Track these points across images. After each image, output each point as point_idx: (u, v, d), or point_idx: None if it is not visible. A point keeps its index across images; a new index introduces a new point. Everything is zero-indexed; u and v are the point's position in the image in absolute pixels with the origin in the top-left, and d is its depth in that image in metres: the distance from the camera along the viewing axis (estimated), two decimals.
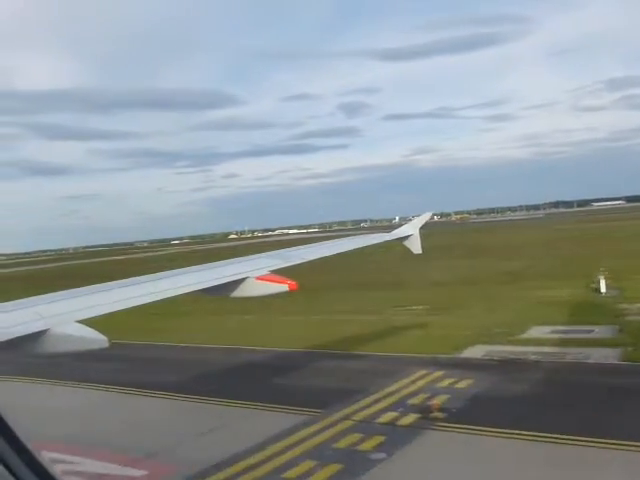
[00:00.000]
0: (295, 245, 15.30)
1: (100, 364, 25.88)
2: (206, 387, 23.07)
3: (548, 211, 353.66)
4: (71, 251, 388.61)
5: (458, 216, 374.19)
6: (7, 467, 3.01)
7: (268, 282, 10.81)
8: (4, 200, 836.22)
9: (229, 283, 10.72)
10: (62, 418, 20.45)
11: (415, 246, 17.91)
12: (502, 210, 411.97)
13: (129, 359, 29.14)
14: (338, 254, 15.17)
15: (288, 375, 24.55)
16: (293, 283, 10.60)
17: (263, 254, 13.75)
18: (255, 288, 10.76)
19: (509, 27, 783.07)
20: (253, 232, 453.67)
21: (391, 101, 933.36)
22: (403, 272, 57.61)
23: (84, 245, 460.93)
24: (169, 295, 9.94)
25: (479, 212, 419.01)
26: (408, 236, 18.02)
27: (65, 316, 7.98)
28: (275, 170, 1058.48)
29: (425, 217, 19.68)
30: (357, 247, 16.68)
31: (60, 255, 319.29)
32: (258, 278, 10.81)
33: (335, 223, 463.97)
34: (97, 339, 7.53)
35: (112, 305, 8.98)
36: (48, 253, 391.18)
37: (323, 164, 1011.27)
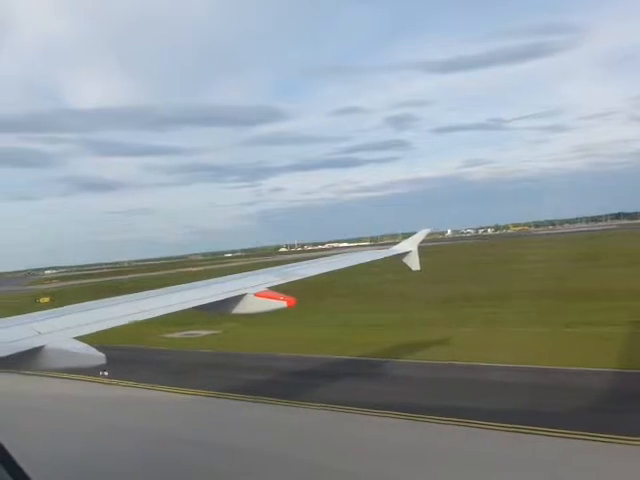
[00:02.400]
0: None
1: (383, 387, 23.54)
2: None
3: (610, 223, 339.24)
4: (126, 264, 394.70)
5: (517, 228, 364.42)
6: None
7: (267, 299, 10.73)
8: (61, 215, 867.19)
9: (227, 300, 10.63)
10: None
11: (414, 263, 17.86)
12: (560, 222, 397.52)
13: (408, 379, 25.16)
14: (336, 271, 15.06)
15: None
16: (292, 299, 10.56)
17: (261, 270, 13.82)
18: (254, 305, 10.68)
19: (562, 36, 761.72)
20: (303, 245, 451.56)
21: (441, 113, 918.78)
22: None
23: (138, 259, 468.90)
24: (167, 312, 9.85)
25: (536, 224, 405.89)
26: (407, 252, 17.98)
27: (62, 333, 7.99)
28: (323, 184, 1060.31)
29: (423, 234, 19.65)
30: (356, 264, 16.50)
31: (119, 268, 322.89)
32: (257, 295, 10.74)
33: (386, 236, 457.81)
34: (94, 355, 7.51)
35: (109, 322, 8.89)
36: (103, 266, 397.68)
37: (371, 177, 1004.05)
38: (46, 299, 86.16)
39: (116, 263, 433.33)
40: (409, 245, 18.48)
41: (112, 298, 10.72)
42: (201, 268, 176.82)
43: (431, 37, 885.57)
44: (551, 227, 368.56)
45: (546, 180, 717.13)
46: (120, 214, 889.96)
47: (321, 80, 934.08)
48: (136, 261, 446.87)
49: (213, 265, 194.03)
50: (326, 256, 19.31)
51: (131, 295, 10.84)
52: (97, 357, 7.55)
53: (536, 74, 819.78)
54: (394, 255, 18.24)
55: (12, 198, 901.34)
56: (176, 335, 42.68)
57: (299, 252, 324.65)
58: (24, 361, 7.35)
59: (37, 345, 7.39)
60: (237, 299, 10.73)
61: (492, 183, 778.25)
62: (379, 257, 18.45)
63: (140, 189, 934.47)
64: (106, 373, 28.94)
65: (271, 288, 11.33)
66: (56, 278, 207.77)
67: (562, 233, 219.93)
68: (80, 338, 7.90)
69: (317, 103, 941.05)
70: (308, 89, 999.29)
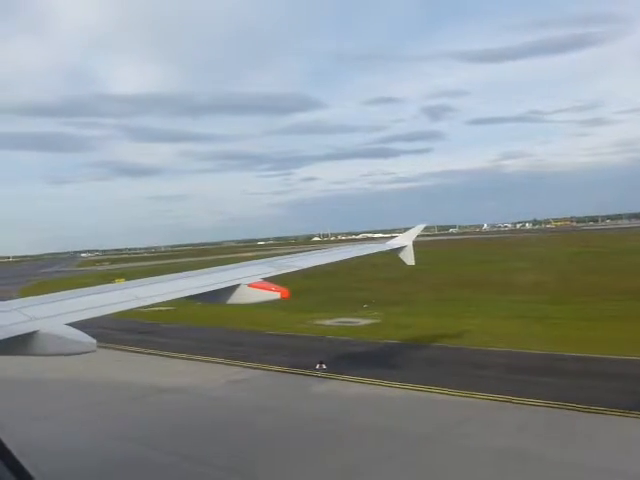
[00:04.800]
0: None
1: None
2: None
3: None
4: (162, 249, 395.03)
5: (559, 223, 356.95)
6: None
7: (260, 289, 10.70)
8: (98, 199, 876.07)
9: (221, 290, 10.62)
10: None
11: (408, 258, 17.92)
12: (603, 218, 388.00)
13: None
14: (331, 263, 15.30)
15: None
16: (285, 290, 10.58)
17: (255, 261, 13.85)
18: (247, 295, 10.68)
19: (604, 27, 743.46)
20: (336, 235, 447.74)
21: (478, 105, 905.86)
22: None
23: (171, 244, 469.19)
24: (161, 300, 10.01)
25: (577, 220, 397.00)
26: (402, 247, 17.96)
27: (54, 318, 8.01)
28: (357, 174, 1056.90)
29: (418, 229, 19.68)
30: (350, 257, 16.46)
31: (160, 253, 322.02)
32: (250, 285, 10.74)
33: None
34: (86, 342, 7.54)
35: (100, 309, 8.86)
36: (138, 251, 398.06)
37: (405, 168, 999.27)
38: (122, 280, 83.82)
39: (150, 248, 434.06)
40: (404, 240, 18.46)
41: (104, 285, 10.74)
42: (251, 254, 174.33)
43: (470, 27, 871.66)
44: (592, 223, 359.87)
45: (585, 175, 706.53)
46: (154, 199, 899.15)
47: (356, 69, 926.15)
48: (171, 246, 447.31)
49: (259, 251, 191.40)
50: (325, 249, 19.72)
51: (124, 283, 10.94)
52: (89, 344, 7.53)
53: (577, 66, 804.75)
54: (389, 250, 18.18)
55: (50, 182, 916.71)
56: (328, 322, 39.14)
57: (333, 242, 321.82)
58: (16, 346, 7.30)
59: (30, 330, 7.38)
60: (231, 289, 10.64)
61: (529, 177, 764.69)
62: (374, 251, 18.31)
63: (175, 175, 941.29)
64: (324, 366, 25.41)
65: (265, 279, 11.21)
66: (107, 260, 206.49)
67: (615, 229, 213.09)
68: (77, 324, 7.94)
69: (352, 92, 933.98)
70: (343, 78, 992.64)
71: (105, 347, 34.38)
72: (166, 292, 10.27)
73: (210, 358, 29.32)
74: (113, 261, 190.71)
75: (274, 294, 10.61)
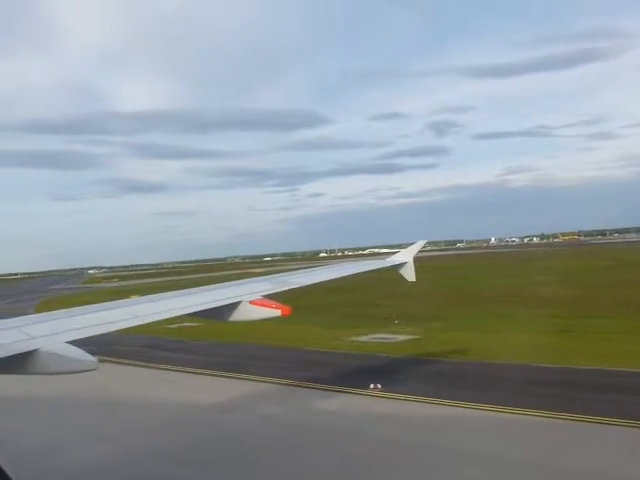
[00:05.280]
0: None
1: None
2: None
3: None
4: (170, 266, 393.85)
5: (567, 237, 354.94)
6: None
7: (261, 307, 10.69)
8: (104, 216, 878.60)
9: (223, 307, 10.57)
10: None
11: (409, 274, 17.97)
12: (610, 232, 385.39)
13: None
14: (332, 280, 15.29)
15: None
16: (287, 308, 10.61)
17: (257, 278, 13.96)
18: (249, 312, 10.65)
19: (609, 42, 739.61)
20: (343, 251, 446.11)
21: (483, 120, 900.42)
22: None
23: (177, 260, 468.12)
24: (161, 318, 9.79)
25: (585, 234, 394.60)
26: (403, 264, 18.03)
27: (54, 337, 7.90)
28: (362, 189, 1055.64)
29: (419, 245, 19.76)
30: (351, 274, 16.56)
31: (169, 269, 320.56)
32: (251, 302, 10.70)
33: (427, 243, 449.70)
34: (87, 360, 7.50)
35: (102, 327, 8.80)
36: (144, 267, 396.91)
37: (411, 183, 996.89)
38: (135, 296, 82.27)
39: (157, 264, 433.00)
40: (405, 256, 18.50)
41: (105, 303, 10.64)
42: (262, 269, 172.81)
43: (475, 42, 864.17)
44: (600, 237, 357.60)
45: (592, 189, 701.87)
46: (161, 216, 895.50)
47: (362, 85, 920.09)
48: (177, 263, 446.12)
49: (269, 267, 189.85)
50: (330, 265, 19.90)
51: (124, 300, 10.71)
52: (90, 362, 7.51)
53: (583, 81, 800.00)
54: (390, 266, 18.15)
55: (56, 199, 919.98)
56: (363, 339, 37.48)
57: (339, 257, 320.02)
58: (16, 365, 7.26)
59: (30, 349, 7.35)
60: (232, 307, 10.60)
61: (536, 191, 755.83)
62: (374, 268, 18.16)
63: (181, 191, 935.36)
64: (379, 385, 23.76)
65: (266, 296, 11.20)
66: (115, 277, 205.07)
67: (625, 243, 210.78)
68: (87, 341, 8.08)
69: (358, 108, 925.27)
70: (349, 94, 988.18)
71: (141, 366, 32.98)
72: (167, 309, 10.18)
73: (256, 377, 27.54)
74: (121, 278, 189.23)
75: (275, 311, 10.62)
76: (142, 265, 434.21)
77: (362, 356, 31.79)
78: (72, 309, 10.00)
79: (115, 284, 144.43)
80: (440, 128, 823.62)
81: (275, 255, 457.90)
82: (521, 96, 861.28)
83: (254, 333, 41.58)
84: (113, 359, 34.72)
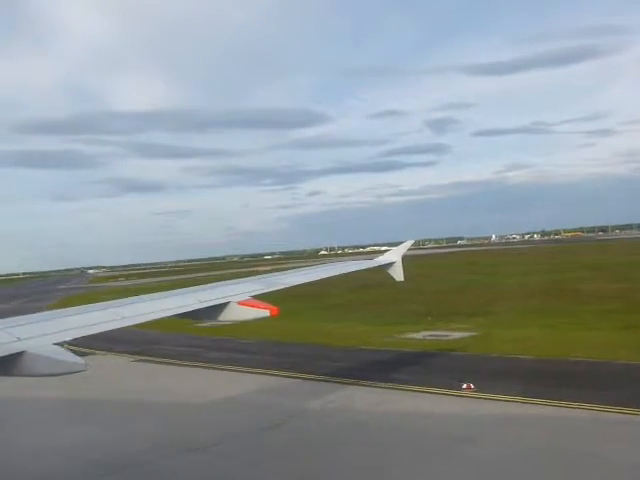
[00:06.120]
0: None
1: None
2: None
3: None
4: (171, 264, 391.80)
5: (570, 234, 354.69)
6: None
7: (250, 307, 10.70)
8: (103, 215, 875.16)
9: (211, 307, 10.59)
10: None
11: (397, 274, 17.94)
12: (612, 228, 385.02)
13: None
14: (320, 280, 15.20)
15: None
16: (275, 308, 10.58)
17: (245, 279, 13.88)
18: (237, 313, 10.65)
19: (608, 39, 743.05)
20: (343, 249, 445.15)
21: (482, 117, 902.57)
22: None
23: (176, 259, 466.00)
24: (149, 319, 9.72)
25: (586, 230, 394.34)
26: (391, 263, 17.98)
27: (42, 338, 7.84)
28: (361, 187, 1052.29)
29: (407, 245, 19.82)
30: (340, 273, 16.59)
31: (171, 267, 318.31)
32: (240, 303, 10.72)
33: (428, 240, 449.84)
34: (75, 362, 7.43)
35: (89, 328, 8.80)
36: (144, 266, 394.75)
37: (411, 181, 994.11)
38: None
39: (156, 264, 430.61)
40: (393, 256, 18.40)
41: (93, 304, 10.61)
42: (269, 267, 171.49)
43: (473, 40, 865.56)
44: (601, 233, 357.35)
45: (592, 185, 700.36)
46: (159, 215, 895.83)
47: (361, 83, 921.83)
48: (176, 262, 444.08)
49: (272, 266, 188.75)
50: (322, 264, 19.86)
51: (109, 302, 10.60)
52: (78, 364, 7.43)
53: (582, 77, 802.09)
54: (378, 266, 18.07)
55: (55, 199, 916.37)
56: (416, 336, 36.43)
57: (340, 255, 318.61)
58: (2, 367, 7.23)
59: (17, 351, 7.28)
60: (221, 307, 10.63)
61: (536, 188, 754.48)
62: (362, 267, 18.01)
63: (180, 190, 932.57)
64: (472, 385, 22.73)
65: (255, 297, 11.24)
66: (120, 276, 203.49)
67: (630, 238, 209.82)
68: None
69: (357, 106, 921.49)
70: (348, 92, 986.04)
71: (199, 367, 31.89)
72: (156, 310, 10.14)
73: (328, 377, 26.36)
74: (127, 277, 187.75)
75: (264, 312, 10.62)
76: (141, 265, 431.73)
77: (427, 354, 30.70)
78: (60, 310, 10.05)
79: (123, 283, 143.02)
80: (439, 125, 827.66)
81: (274, 254, 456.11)
82: (520, 93, 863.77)
83: (301, 332, 40.57)
84: (176, 361, 33.86)
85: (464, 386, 22.67)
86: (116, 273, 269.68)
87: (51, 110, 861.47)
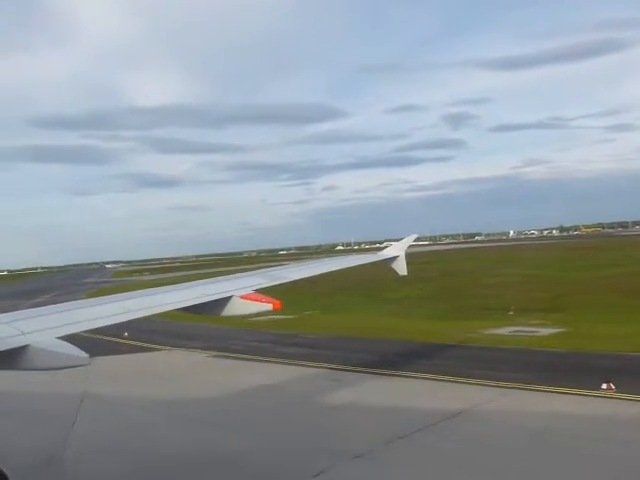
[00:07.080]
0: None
1: None
2: None
3: None
4: (191, 259, 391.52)
5: (589, 229, 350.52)
6: None
7: (252, 301, 10.69)
8: (120, 210, 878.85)
9: (214, 302, 10.64)
10: None
11: (401, 268, 17.95)
12: (632, 224, 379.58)
13: None
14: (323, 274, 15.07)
15: None
16: (277, 302, 10.62)
17: (247, 273, 14.03)
18: (240, 307, 10.66)
19: (627, 32, 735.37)
20: (360, 244, 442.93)
21: (500, 112, 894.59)
22: None
23: (193, 254, 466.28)
24: (152, 312, 9.86)
25: (606, 226, 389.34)
26: (394, 257, 17.96)
27: (45, 332, 7.86)
28: (378, 182, 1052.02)
29: (410, 239, 19.71)
30: (342, 267, 16.72)
31: (191, 262, 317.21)
32: (243, 297, 10.73)
33: (445, 236, 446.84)
34: (79, 356, 7.51)
35: (93, 322, 8.83)
36: (162, 261, 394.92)
37: (427, 176, 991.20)
38: None
39: (174, 258, 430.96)
40: (396, 250, 18.41)
41: (96, 298, 10.97)
42: (291, 261, 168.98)
43: (490, 34, 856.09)
44: (621, 229, 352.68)
45: (610, 181, 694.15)
46: (176, 210, 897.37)
47: (377, 78, 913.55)
48: (194, 256, 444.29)
49: (293, 259, 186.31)
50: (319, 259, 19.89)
51: (115, 295, 10.70)
52: (81, 358, 7.52)
53: (600, 71, 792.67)
54: (381, 260, 18.00)
55: (72, 194, 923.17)
56: (500, 332, 34.43)
57: (356, 250, 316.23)
58: (6, 361, 7.22)
59: (21, 344, 7.29)
60: (223, 301, 10.65)
61: (553, 183, 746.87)
62: (366, 262, 18.09)
63: (197, 186, 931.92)
64: (612, 385, 20.70)
65: (257, 290, 11.23)
66: (144, 270, 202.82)
67: None
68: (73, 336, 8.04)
69: (373, 101, 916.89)
70: (364, 87, 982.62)
71: (281, 363, 30.03)
72: (160, 304, 10.26)
73: (440, 376, 24.22)
74: (151, 271, 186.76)
75: (266, 306, 10.63)
76: (159, 259, 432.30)
77: (528, 351, 28.54)
78: (63, 304, 10.04)
79: (150, 277, 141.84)
80: (456, 120, 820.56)
81: (290, 249, 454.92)
82: (538, 88, 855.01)
83: (369, 327, 38.78)
84: (254, 357, 32.14)
85: (604, 386, 20.64)
86: (136, 267, 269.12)
87: (69, 105, 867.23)
